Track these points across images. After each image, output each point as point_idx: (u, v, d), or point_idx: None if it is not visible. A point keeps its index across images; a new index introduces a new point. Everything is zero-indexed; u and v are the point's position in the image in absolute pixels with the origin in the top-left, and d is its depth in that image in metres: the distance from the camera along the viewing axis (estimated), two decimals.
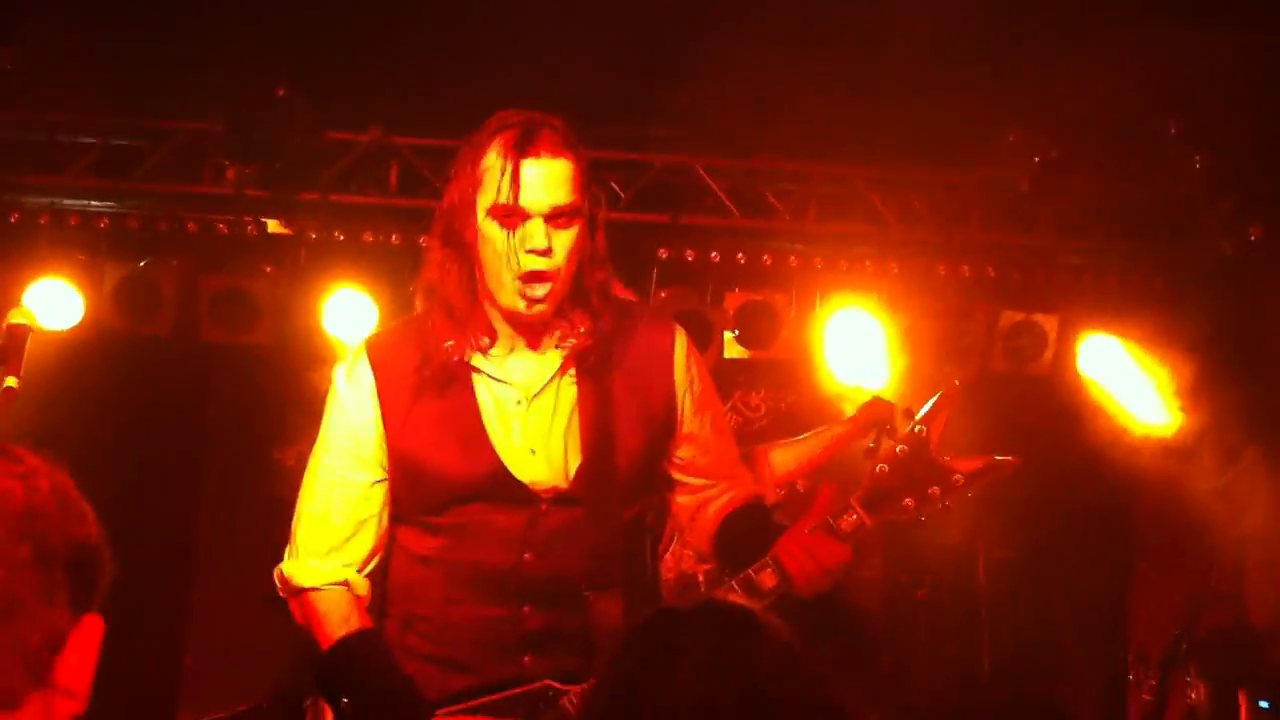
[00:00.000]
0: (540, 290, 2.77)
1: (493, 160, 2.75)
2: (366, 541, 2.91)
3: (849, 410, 5.28)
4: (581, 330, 2.86)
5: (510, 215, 2.74)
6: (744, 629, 1.53)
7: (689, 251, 5.94)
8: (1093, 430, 5.88)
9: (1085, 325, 5.99)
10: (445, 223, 2.83)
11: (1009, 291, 6.10)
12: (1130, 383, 5.86)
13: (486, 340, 2.86)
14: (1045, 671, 6.22)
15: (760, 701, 1.45)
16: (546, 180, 2.74)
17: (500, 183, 2.72)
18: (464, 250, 2.80)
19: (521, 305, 2.78)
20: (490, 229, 2.76)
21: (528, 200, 2.73)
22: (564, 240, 2.77)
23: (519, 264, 2.75)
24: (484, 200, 2.76)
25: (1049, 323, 6.01)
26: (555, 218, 2.75)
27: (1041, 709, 6.07)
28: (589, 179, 2.82)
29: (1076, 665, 6.22)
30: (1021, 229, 5.98)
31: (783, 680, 1.47)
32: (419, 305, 2.94)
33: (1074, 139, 5.63)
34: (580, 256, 2.81)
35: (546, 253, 2.75)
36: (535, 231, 2.74)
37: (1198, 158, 5.71)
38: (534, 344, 2.88)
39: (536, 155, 2.74)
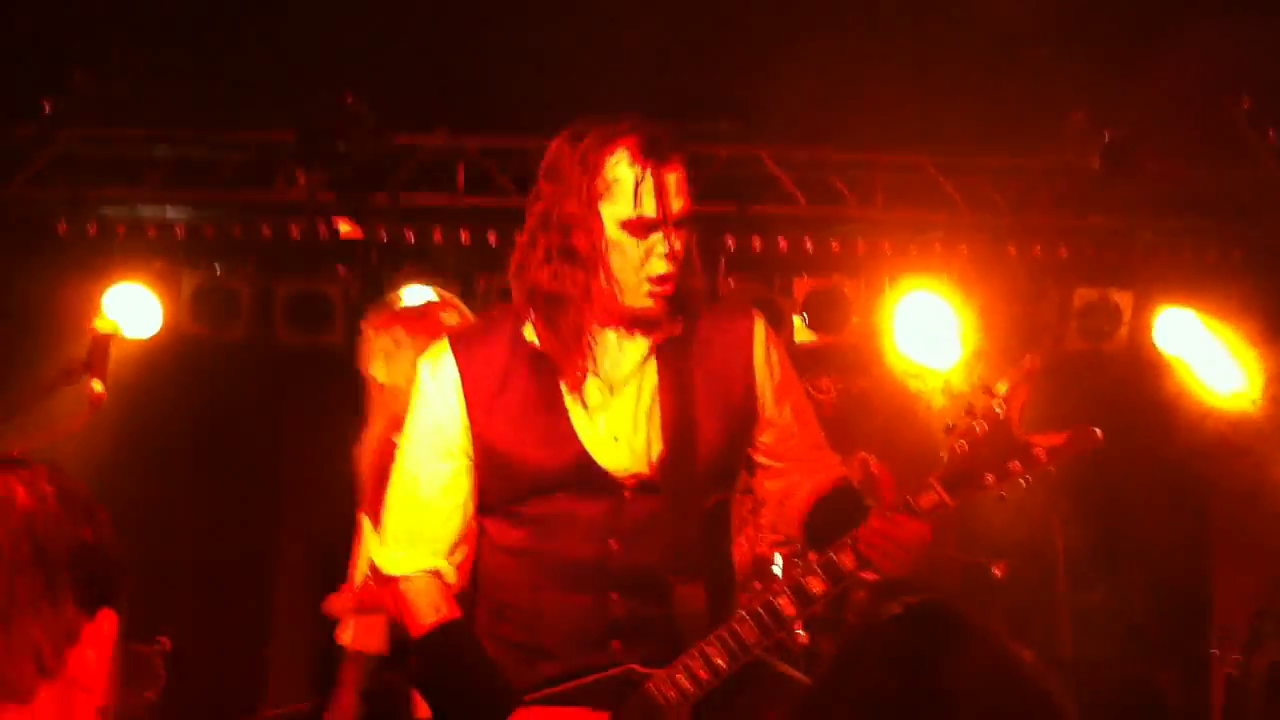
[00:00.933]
0: (667, 288, 2.80)
1: (623, 171, 2.75)
2: (454, 529, 2.94)
3: (919, 389, 5.29)
4: (673, 321, 2.89)
5: (651, 227, 2.76)
6: (947, 629, 1.51)
7: (756, 240, 5.95)
8: (1170, 406, 5.82)
9: (1160, 300, 5.92)
10: (558, 234, 2.80)
11: (1081, 270, 6.04)
12: (1207, 355, 5.79)
13: (580, 373, 2.86)
14: (1127, 650, 6.15)
15: (955, 696, 1.44)
16: (680, 188, 2.77)
17: (639, 195, 2.73)
18: (583, 261, 2.80)
19: (650, 304, 2.82)
20: (622, 238, 2.77)
21: (669, 210, 2.75)
22: (684, 244, 2.81)
23: (653, 269, 2.78)
24: (615, 211, 2.76)
25: (1123, 299, 5.95)
26: (683, 224, 2.79)
27: (1131, 689, 6.01)
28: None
29: (1158, 643, 6.15)
30: (1093, 209, 5.92)
31: (989, 680, 1.46)
32: (515, 297, 2.93)
33: (1143, 119, 5.57)
34: (690, 252, 2.84)
35: (679, 255, 2.79)
36: (673, 238, 2.77)
37: (1272, 134, 5.64)
38: (628, 333, 2.90)
39: (670, 164, 2.76)
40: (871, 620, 1.60)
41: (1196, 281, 5.90)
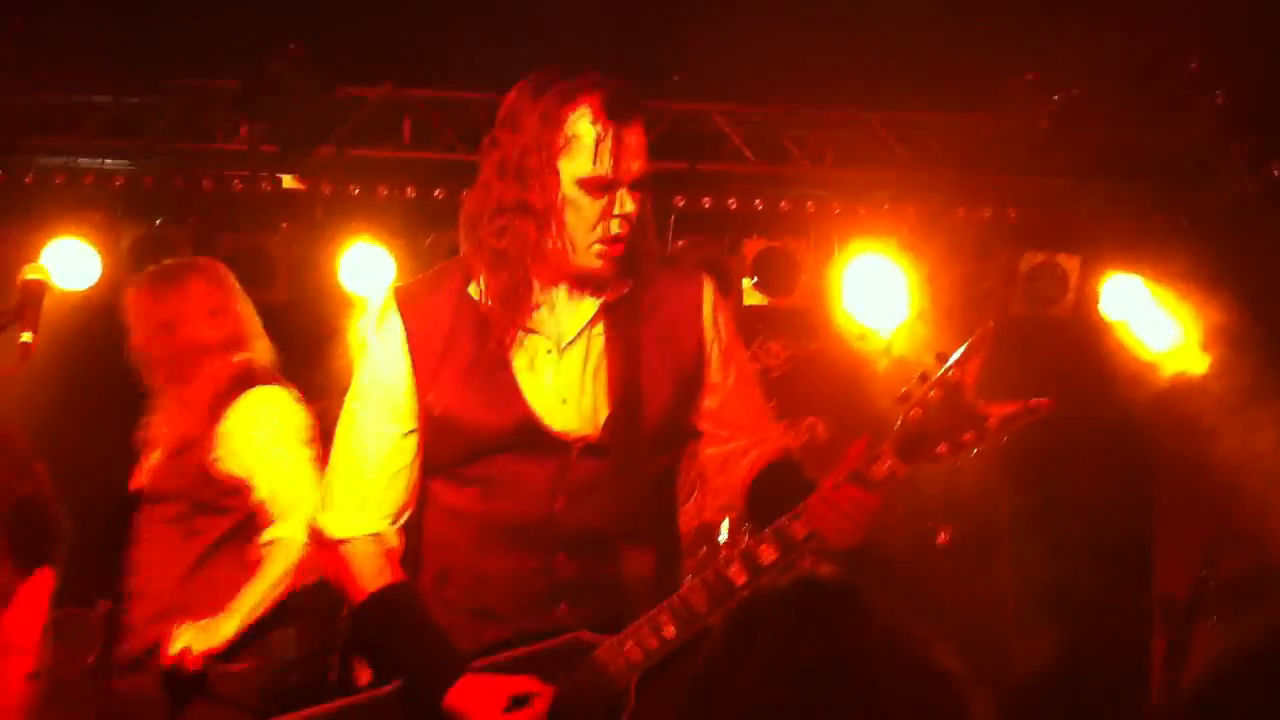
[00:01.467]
0: (619, 250, 2.78)
1: (584, 128, 2.71)
2: (399, 493, 2.90)
3: (864, 352, 5.28)
4: (621, 281, 2.86)
5: (607, 187, 2.73)
6: (834, 599, 1.50)
7: (706, 199, 5.91)
8: (1114, 372, 5.86)
9: (1108, 266, 5.94)
10: (514, 186, 2.76)
11: (1029, 233, 6.05)
12: (1153, 322, 5.82)
13: (519, 332, 2.83)
14: (1069, 617, 6.21)
15: (854, 670, 1.42)
16: (636, 149, 2.73)
17: (599, 153, 2.69)
18: (537, 215, 2.76)
19: (599, 264, 2.78)
20: (578, 196, 2.73)
21: (621, 170, 2.72)
22: (641, 202, 2.77)
23: (607, 229, 2.74)
24: (573, 168, 2.72)
25: (1070, 264, 5.96)
26: (640, 185, 2.76)
27: (1071, 655, 6.07)
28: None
29: (1100, 610, 6.22)
30: (1041, 170, 5.92)
31: (878, 649, 1.44)
32: (463, 249, 2.90)
33: (1093, 79, 5.57)
34: (644, 212, 2.81)
35: (631, 217, 2.75)
36: (626, 199, 2.74)
37: (1219, 95, 5.64)
38: (577, 293, 2.87)
39: (632, 124, 2.72)
40: (763, 594, 1.59)
41: (1143, 246, 5.92)
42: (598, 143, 2.69)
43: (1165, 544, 6.28)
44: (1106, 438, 6.20)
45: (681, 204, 5.89)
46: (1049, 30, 5.45)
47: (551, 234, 2.75)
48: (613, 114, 2.70)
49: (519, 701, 2.74)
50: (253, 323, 4.26)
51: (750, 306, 6.02)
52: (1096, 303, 5.95)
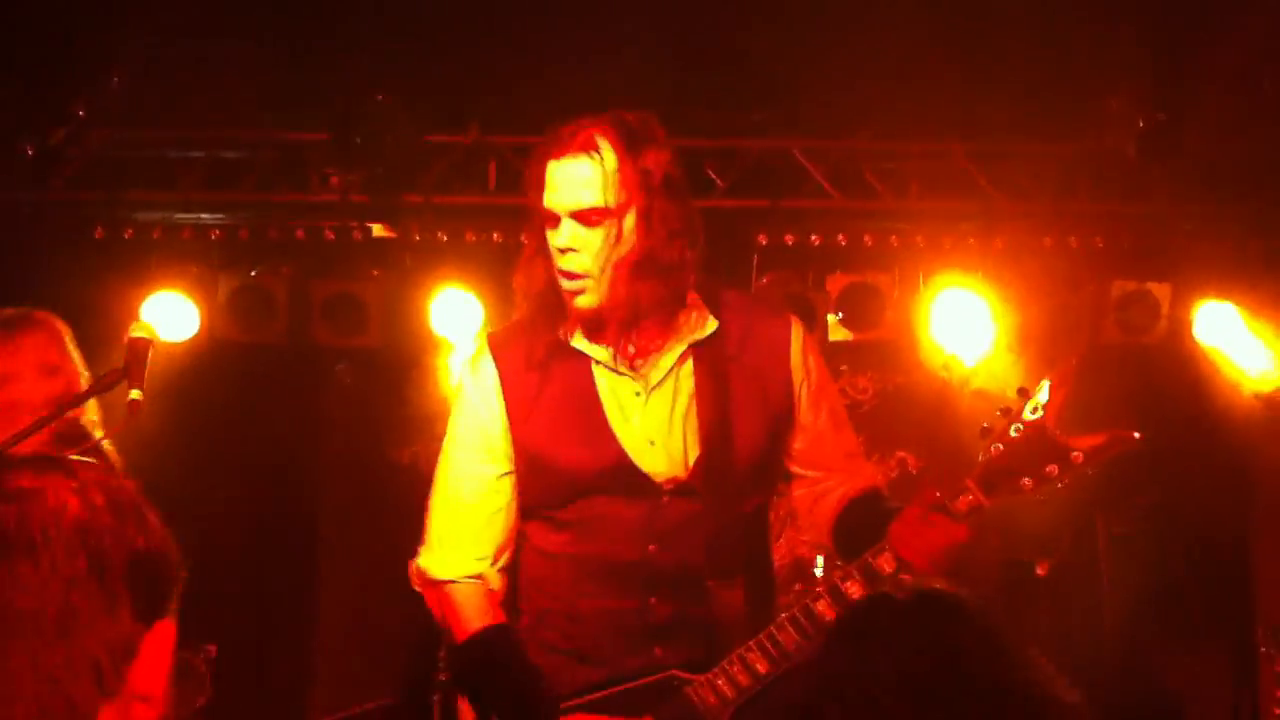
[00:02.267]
0: (572, 285, 2.81)
1: (534, 166, 2.82)
2: (497, 533, 2.96)
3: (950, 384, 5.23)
4: (701, 319, 2.89)
5: (546, 218, 2.80)
6: (948, 613, 1.51)
7: (789, 235, 5.92)
8: (1209, 399, 5.76)
9: (1200, 293, 5.85)
10: (527, 223, 2.91)
11: (1119, 261, 5.98)
12: (1247, 349, 5.73)
13: (565, 330, 2.90)
14: (1171, 648, 6.10)
15: (964, 686, 1.44)
16: (571, 181, 2.77)
17: (539, 185, 2.79)
18: (536, 257, 2.87)
19: (565, 299, 2.85)
20: (544, 228, 2.83)
21: (551, 202, 2.78)
22: (594, 238, 2.77)
23: (556, 262, 2.81)
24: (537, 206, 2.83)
25: (1162, 291, 5.87)
26: (582, 217, 2.78)
27: (1171, 683, 5.96)
28: (641, 173, 2.78)
29: (1203, 640, 6.10)
30: (1130, 197, 5.85)
31: (988, 665, 1.45)
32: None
33: (1182, 100, 5.50)
34: (626, 249, 2.78)
35: (570, 250, 2.78)
36: (561, 231, 2.78)
37: None
38: (646, 347, 2.90)
39: (560, 157, 2.77)
40: (875, 600, 1.60)
41: (1235, 273, 5.83)
42: (540, 176, 2.78)
43: (1266, 571, 6.15)
44: (1202, 465, 6.09)
45: (765, 241, 5.90)
46: (1137, 53, 5.40)
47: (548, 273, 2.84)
48: (548, 148, 2.78)
49: None
50: (83, 381, 4.02)
51: (835, 341, 6.01)
52: (1189, 329, 5.86)
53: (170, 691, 1.40)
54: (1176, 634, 6.08)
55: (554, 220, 2.80)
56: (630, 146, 2.78)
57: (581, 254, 2.78)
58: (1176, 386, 5.89)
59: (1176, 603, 6.05)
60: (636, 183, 2.77)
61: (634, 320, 2.84)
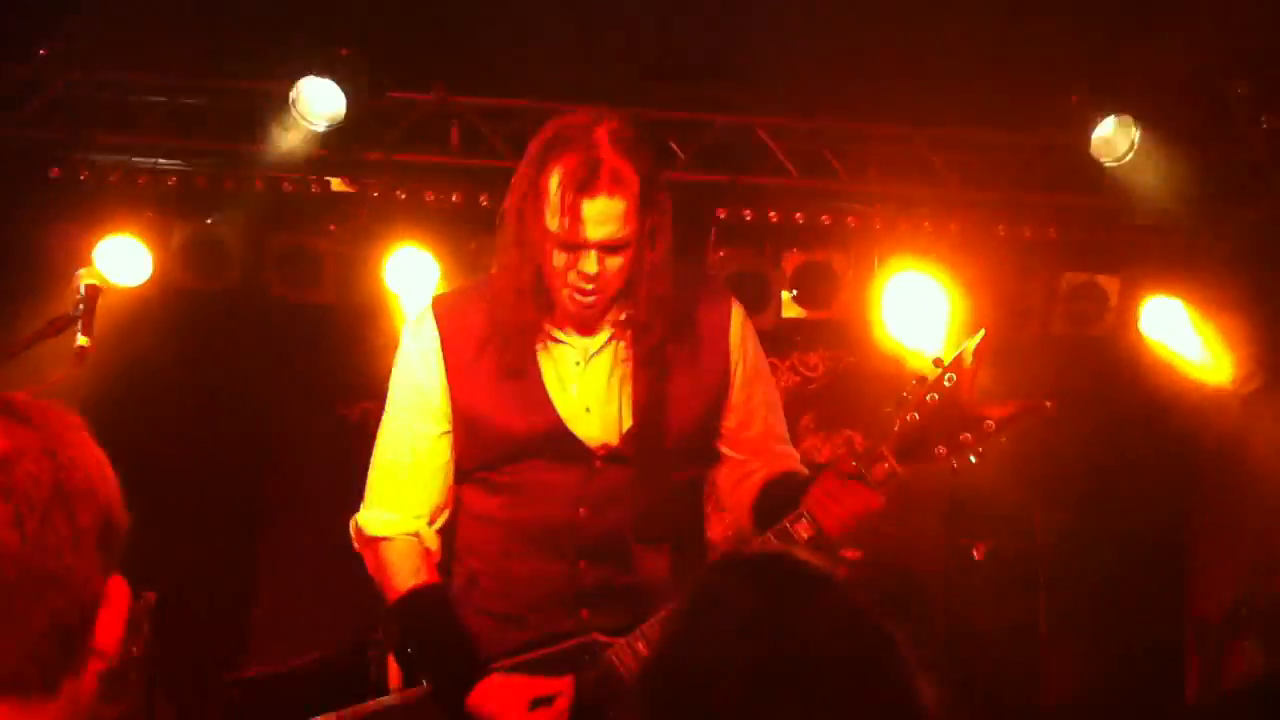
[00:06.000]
0: (588, 300, 2.86)
1: (554, 189, 2.78)
2: (435, 493, 3.00)
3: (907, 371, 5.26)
4: (630, 317, 2.94)
5: (570, 247, 2.80)
6: (806, 584, 1.52)
7: (747, 211, 5.93)
8: (1153, 391, 5.85)
9: (1148, 288, 5.93)
10: (516, 218, 2.87)
11: (1070, 253, 6.04)
12: (1192, 344, 5.81)
13: (548, 327, 2.94)
14: (1101, 637, 6.20)
15: (809, 662, 1.43)
16: (603, 217, 2.78)
17: (561, 218, 2.77)
18: (533, 247, 2.86)
19: (573, 307, 2.89)
20: (553, 247, 2.83)
21: (584, 236, 2.79)
22: (614, 263, 2.83)
23: (573, 282, 2.83)
24: (549, 222, 2.81)
25: (1111, 284, 5.96)
26: (608, 247, 2.81)
27: (1104, 672, 6.05)
28: (650, 196, 2.84)
29: (1133, 631, 6.20)
30: (1084, 190, 5.91)
31: (839, 644, 1.45)
32: (496, 268, 3.00)
33: (1139, 100, 5.56)
34: (634, 270, 2.87)
35: (596, 278, 2.82)
36: (588, 261, 2.81)
37: (1264, 119, 5.63)
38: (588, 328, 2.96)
39: (594, 195, 2.77)
40: (727, 558, 1.60)
41: (1184, 268, 5.91)
42: (561, 207, 2.77)
43: (1199, 565, 6.26)
44: (1145, 456, 6.18)
45: (723, 216, 5.92)
46: (1096, 50, 5.45)
47: (544, 263, 2.85)
48: (574, 183, 2.77)
49: (541, 702, 2.82)
50: None
51: (789, 319, 6.04)
52: (1136, 323, 5.94)
53: (121, 643, 1.39)
54: (1109, 624, 6.18)
55: (570, 247, 2.81)
56: (649, 176, 2.84)
57: (603, 278, 2.83)
58: (1121, 379, 5.97)
59: (1110, 592, 6.14)
60: (654, 208, 2.85)
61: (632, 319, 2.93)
